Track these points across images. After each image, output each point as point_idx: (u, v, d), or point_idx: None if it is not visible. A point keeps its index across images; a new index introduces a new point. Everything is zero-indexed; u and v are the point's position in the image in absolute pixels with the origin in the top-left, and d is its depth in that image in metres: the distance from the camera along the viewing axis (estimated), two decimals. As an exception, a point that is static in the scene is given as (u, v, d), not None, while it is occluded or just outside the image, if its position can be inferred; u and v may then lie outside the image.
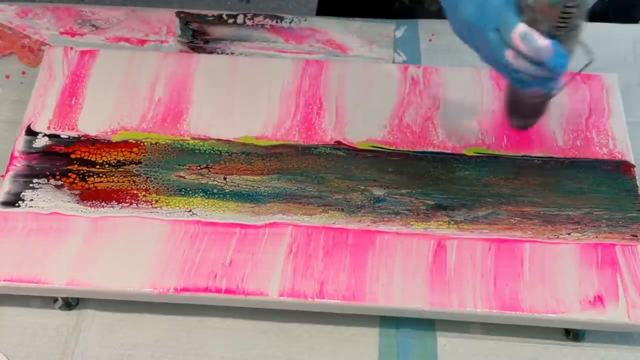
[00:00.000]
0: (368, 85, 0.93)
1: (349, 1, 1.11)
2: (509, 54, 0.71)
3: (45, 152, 0.86)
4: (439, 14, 1.04)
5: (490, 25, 0.71)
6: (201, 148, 0.87)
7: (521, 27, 0.70)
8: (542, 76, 0.72)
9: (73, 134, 0.88)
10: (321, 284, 0.77)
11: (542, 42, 0.70)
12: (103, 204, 0.82)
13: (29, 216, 0.81)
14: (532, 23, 0.71)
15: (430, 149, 0.88)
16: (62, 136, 0.88)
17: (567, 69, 0.73)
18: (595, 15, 1.05)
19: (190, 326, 0.79)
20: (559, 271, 0.79)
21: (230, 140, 0.88)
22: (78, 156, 0.86)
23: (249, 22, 1.02)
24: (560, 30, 0.72)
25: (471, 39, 0.75)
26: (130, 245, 0.80)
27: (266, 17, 1.02)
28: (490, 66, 0.76)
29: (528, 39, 0.70)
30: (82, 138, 0.88)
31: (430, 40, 1.01)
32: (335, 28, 1.01)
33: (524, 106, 0.85)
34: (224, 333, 0.78)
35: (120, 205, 0.82)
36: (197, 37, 1.00)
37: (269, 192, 0.84)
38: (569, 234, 0.81)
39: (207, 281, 0.77)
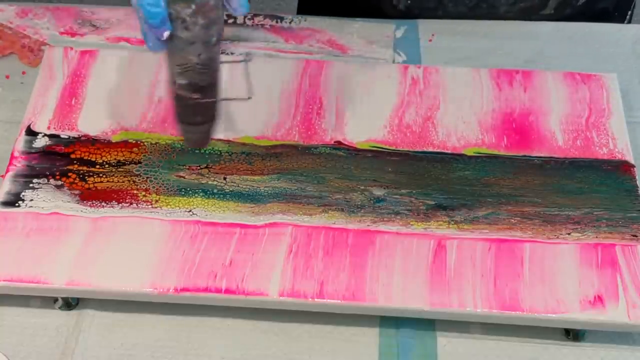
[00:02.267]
0: (368, 85, 0.93)
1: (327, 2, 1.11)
2: None
3: (45, 152, 0.86)
4: (439, 14, 1.05)
5: None
6: (201, 148, 0.87)
7: None
8: (141, 19, 0.70)
9: (73, 134, 0.88)
10: (321, 284, 0.77)
11: None
12: (103, 204, 0.82)
13: (29, 216, 0.81)
14: None
15: (430, 149, 0.88)
16: (62, 136, 0.88)
17: (166, 28, 0.70)
18: (596, 16, 1.05)
19: (190, 326, 0.79)
20: (559, 271, 0.79)
21: (230, 140, 0.88)
22: (78, 156, 0.86)
23: (249, 22, 1.02)
24: None
25: None
26: (130, 245, 0.80)
27: (266, 17, 1.02)
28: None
29: None
30: (82, 138, 0.88)
31: (430, 40, 1.01)
32: (335, 28, 1.01)
33: (178, 104, 0.75)
34: (224, 333, 0.78)
35: (120, 205, 0.82)
36: (197, 37, 1.00)
37: (269, 192, 0.84)
38: (569, 234, 0.81)
39: (207, 281, 0.77)
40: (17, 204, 0.82)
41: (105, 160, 0.86)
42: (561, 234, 0.81)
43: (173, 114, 0.77)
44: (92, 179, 0.85)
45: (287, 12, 1.03)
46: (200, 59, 0.72)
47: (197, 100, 0.75)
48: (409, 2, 1.03)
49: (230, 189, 0.84)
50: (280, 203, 0.83)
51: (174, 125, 0.88)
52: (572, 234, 0.81)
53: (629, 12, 1.10)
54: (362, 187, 0.84)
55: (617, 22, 1.08)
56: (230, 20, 1.02)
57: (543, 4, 1.03)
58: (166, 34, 0.70)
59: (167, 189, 0.84)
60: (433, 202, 0.83)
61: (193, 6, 0.69)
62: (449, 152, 0.87)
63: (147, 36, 0.72)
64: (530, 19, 1.03)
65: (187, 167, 0.86)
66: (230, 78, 0.82)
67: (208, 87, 0.75)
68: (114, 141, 0.87)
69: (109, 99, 0.91)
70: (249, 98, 0.78)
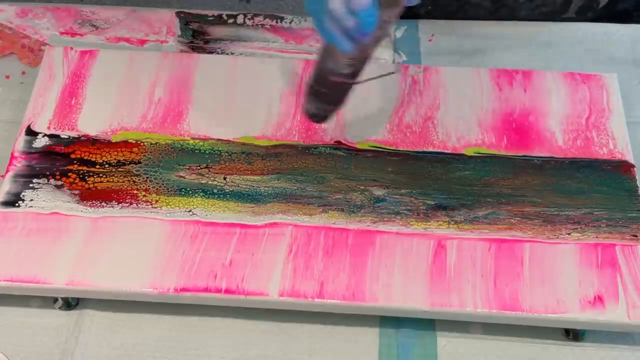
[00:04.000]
0: (368, 85, 0.92)
1: None
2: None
3: (45, 152, 0.86)
4: (439, 14, 1.05)
5: None
6: (201, 148, 0.87)
7: None
8: (349, 26, 0.70)
9: (73, 134, 0.88)
10: (321, 284, 0.77)
11: None
12: (103, 204, 0.82)
13: (29, 216, 0.81)
14: None
15: (430, 149, 0.88)
16: (62, 136, 0.88)
17: (372, 31, 0.71)
18: (616, 17, 1.05)
19: (190, 326, 0.79)
20: (559, 271, 0.79)
21: (230, 140, 0.88)
22: (78, 156, 0.86)
23: (249, 22, 1.02)
24: None
25: None
26: (130, 245, 0.80)
27: (266, 17, 1.02)
28: (313, 17, 0.73)
29: None
30: (82, 138, 0.88)
31: (430, 40, 1.01)
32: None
33: (324, 87, 0.80)
34: (224, 333, 0.78)
35: (120, 205, 0.82)
36: (197, 37, 1.00)
37: (269, 192, 0.84)
38: (569, 234, 0.81)
39: (207, 281, 0.77)
40: (17, 204, 0.82)
41: (105, 160, 0.86)
42: (561, 234, 0.81)
43: (314, 92, 0.81)
44: (92, 179, 0.85)
45: (287, 12, 1.03)
46: (370, 51, 0.76)
47: (350, 85, 0.80)
48: (430, 7, 1.03)
49: (230, 189, 0.84)
50: (280, 203, 0.83)
51: (174, 125, 0.89)
52: (572, 234, 0.81)
53: None
54: (362, 187, 0.84)
55: (637, 22, 1.08)
56: (230, 20, 1.02)
57: (565, 8, 1.03)
58: (370, 38, 0.72)
59: (167, 189, 0.84)
60: (433, 202, 0.83)
61: (398, 8, 0.73)
62: (449, 152, 0.87)
63: (341, 40, 0.72)
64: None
65: (187, 167, 0.86)
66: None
67: (357, 74, 0.79)
68: (114, 141, 0.87)
69: (109, 99, 0.91)
70: (395, 73, 0.82)
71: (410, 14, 1.04)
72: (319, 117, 0.83)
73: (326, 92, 0.80)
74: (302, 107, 0.84)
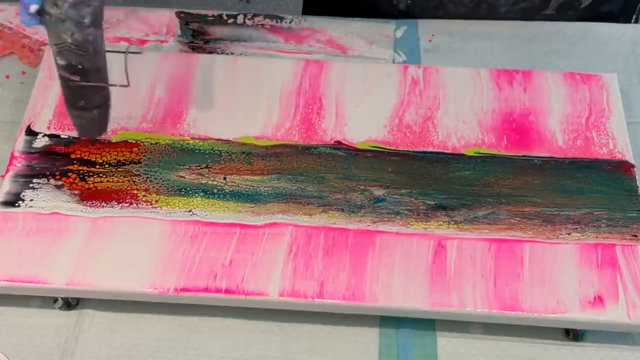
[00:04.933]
0: (368, 85, 0.93)
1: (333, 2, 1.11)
2: None
3: (45, 152, 0.86)
4: (439, 14, 1.05)
5: None
6: (201, 148, 0.87)
7: None
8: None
9: (73, 134, 0.88)
10: (321, 284, 0.77)
11: None
12: (103, 204, 0.82)
13: (29, 216, 0.81)
14: None
15: (430, 149, 0.88)
16: (62, 136, 0.88)
17: (34, 1, 0.69)
18: (600, 18, 1.05)
19: (190, 326, 0.79)
20: (559, 271, 0.79)
21: (230, 140, 0.88)
22: (78, 156, 0.86)
23: (249, 22, 1.02)
24: None
25: None
26: (130, 245, 0.80)
27: (266, 17, 1.02)
28: None
29: None
30: (82, 138, 0.88)
31: (430, 40, 1.01)
32: (335, 28, 1.01)
33: (63, 86, 0.75)
34: (224, 333, 0.78)
35: (120, 205, 0.82)
36: (197, 37, 1.00)
37: (269, 192, 0.84)
38: (569, 234, 0.81)
39: (207, 281, 0.77)
40: (17, 204, 0.82)
41: (105, 160, 0.86)
42: (561, 234, 0.81)
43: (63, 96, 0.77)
44: (92, 179, 0.85)
45: (287, 12, 1.04)
46: (73, 39, 0.72)
47: (78, 83, 0.74)
48: (409, 1, 1.03)
49: (230, 189, 0.84)
50: (280, 203, 0.83)
51: (174, 125, 0.89)
52: (572, 234, 0.81)
53: (634, 16, 1.10)
54: (362, 187, 0.84)
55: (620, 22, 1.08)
56: (230, 20, 1.02)
57: (544, 4, 1.03)
58: (34, 7, 0.69)
59: (167, 189, 0.84)
60: (433, 202, 0.83)
61: None
62: (449, 152, 0.87)
63: (21, 9, 0.70)
64: (532, 20, 1.03)
65: (187, 167, 0.86)
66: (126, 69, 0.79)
67: (90, 71, 0.74)
68: (114, 141, 0.87)
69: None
70: (127, 85, 0.77)
71: (410, 14, 1.04)
72: (87, 131, 0.79)
73: (67, 93, 0.76)
74: (76, 130, 0.79)
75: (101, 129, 0.80)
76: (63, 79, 0.75)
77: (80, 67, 0.74)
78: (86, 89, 0.75)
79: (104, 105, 0.78)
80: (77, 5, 0.70)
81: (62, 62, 0.73)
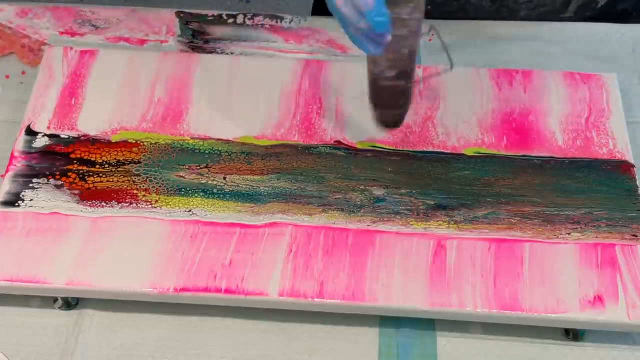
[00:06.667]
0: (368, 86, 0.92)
1: None
2: (339, 1, 0.68)
3: (45, 152, 0.86)
4: (459, 16, 1.04)
5: None
6: (201, 148, 0.87)
7: None
8: (365, 31, 0.68)
9: (73, 134, 0.88)
10: (321, 284, 0.77)
11: None
12: (103, 204, 0.83)
13: (29, 216, 0.81)
14: None
15: (430, 149, 0.88)
16: (62, 136, 0.88)
17: (388, 32, 0.69)
18: (615, 17, 1.05)
19: (190, 326, 0.79)
20: (559, 271, 0.79)
21: (230, 140, 0.88)
22: (78, 156, 0.86)
23: (249, 22, 1.02)
24: None
25: None
26: (130, 245, 0.80)
27: (266, 17, 1.02)
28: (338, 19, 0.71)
29: None
30: (82, 138, 0.88)
31: (430, 40, 1.01)
32: (335, 28, 1.01)
33: (381, 93, 0.79)
34: (224, 333, 0.78)
35: (120, 205, 0.82)
36: (197, 37, 1.00)
37: (269, 192, 0.84)
38: (569, 234, 0.81)
39: (207, 281, 0.77)
40: (17, 204, 0.82)
41: (105, 160, 0.86)
42: (561, 234, 0.81)
43: (374, 101, 0.80)
44: (92, 179, 0.85)
45: (287, 12, 1.04)
46: (411, 50, 0.74)
47: (404, 87, 0.77)
48: (429, 7, 1.04)
49: (230, 189, 0.84)
50: (280, 203, 0.83)
51: (174, 125, 0.89)
52: (572, 234, 0.81)
53: None
54: (362, 187, 0.84)
55: (636, 22, 1.08)
56: (230, 20, 1.02)
57: (563, 8, 1.03)
58: (388, 38, 0.70)
59: (167, 189, 0.84)
60: (433, 202, 0.83)
61: (411, 4, 0.71)
62: (449, 152, 0.87)
63: (365, 43, 0.70)
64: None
65: (187, 167, 0.86)
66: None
67: (412, 73, 0.77)
68: (114, 141, 0.87)
69: (109, 99, 0.91)
70: (452, 69, 0.81)
71: (430, 16, 1.04)
72: (389, 123, 0.82)
73: (384, 98, 0.79)
74: (374, 117, 0.82)
75: (403, 121, 0.82)
76: (387, 88, 0.77)
77: (408, 71, 0.76)
78: (406, 90, 0.78)
79: (411, 100, 0.81)
80: (420, 19, 0.72)
81: (393, 74, 0.75)
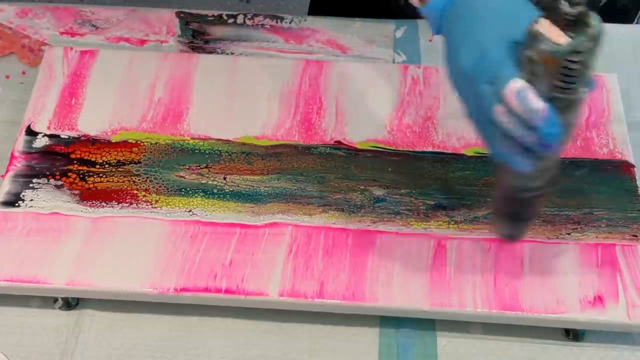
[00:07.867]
0: (368, 85, 0.93)
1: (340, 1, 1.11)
2: (498, 110, 0.62)
3: (45, 152, 0.86)
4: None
5: (484, 77, 0.63)
6: (201, 148, 0.87)
7: (517, 82, 0.61)
8: (529, 143, 0.63)
9: (73, 134, 0.88)
10: (321, 284, 0.77)
11: (538, 103, 0.60)
12: (103, 204, 0.82)
13: (29, 216, 0.81)
14: (532, 79, 0.61)
15: (430, 149, 0.88)
16: (62, 136, 0.88)
17: (559, 144, 0.64)
18: (616, 14, 1.05)
19: (190, 326, 0.79)
20: (559, 271, 0.79)
21: (230, 140, 0.88)
22: (78, 156, 0.86)
23: (249, 22, 1.02)
24: (560, 91, 0.61)
25: (464, 92, 0.67)
26: (130, 245, 0.80)
27: (266, 17, 1.02)
28: (476, 128, 0.68)
29: (522, 96, 0.60)
30: (82, 138, 0.88)
31: (430, 40, 1.01)
32: (335, 28, 1.01)
33: (515, 206, 0.72)
34: (224, 333, 0.78)
35: (120, 205, 0.82)
36: (197, 37, 1.00)
37: (269, 192, 0.84)
38: (569, 234, 0.81)
39: (207, 281, 0.77)
40: (17, 204, 0.82)
41: (105, 160, 0.86)
42: (561, 234, 0.81)
43: (503, 213, 0.74)
44: (92, 178, 0.85)
45: (287, 12, 1.04)
46: (558, 155, 0.68)
47: (544, 195, 0.71)
48: None
49: (230, 189, 0.84)
50: (280, 203, 0.83)
51: (174, 125, 0.89)
52: (572, 234, 0.81)
53: None
54: (362, 187, 0.84)
55: (633, 17, 1.07)
56: (230, 20, 1.02)
57: None
58: (557, 150, 0.65)
59: (167, 189, 0.84)
60: (433, 202, 0.83)
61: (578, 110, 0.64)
62: (449, 152, 0.87)
63: (515, 158, 0.64)
64: None
65: (187, 167, 0.86)
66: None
67: (557, 178, 0.70)
68: (113, 141, 0.87)
69: (109, 99, 0.91)
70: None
71: (409, 14, 1.04)
72: (514, 236, 0.76)
73: (518, 210, 0.72)
74: (496, 229, 0.76)
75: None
76: (527, 199, 0.70)
77: (549, 179, 0.69)
78: (542, 199, 0.72)
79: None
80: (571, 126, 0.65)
81: (537, 184, 0.69)
